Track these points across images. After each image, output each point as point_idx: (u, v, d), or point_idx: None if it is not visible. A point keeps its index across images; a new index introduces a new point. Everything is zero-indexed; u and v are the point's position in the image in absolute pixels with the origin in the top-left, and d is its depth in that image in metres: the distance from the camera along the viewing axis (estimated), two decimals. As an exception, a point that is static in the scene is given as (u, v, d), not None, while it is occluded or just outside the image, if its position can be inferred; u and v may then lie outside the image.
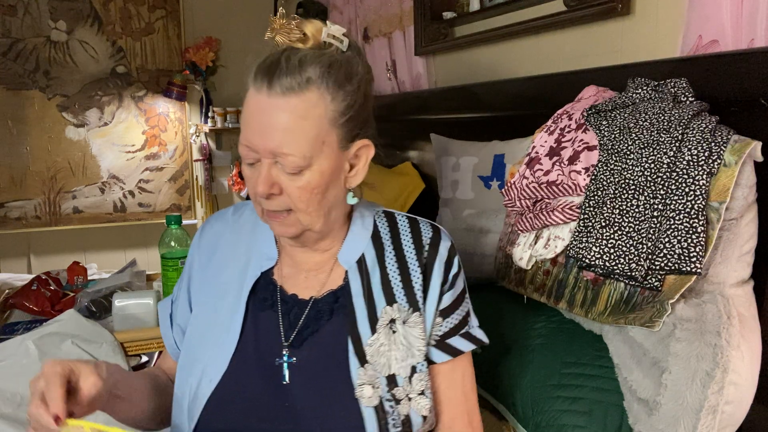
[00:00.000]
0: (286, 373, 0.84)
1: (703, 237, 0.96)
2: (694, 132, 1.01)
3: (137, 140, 3.56)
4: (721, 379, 0.90)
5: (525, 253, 1.25)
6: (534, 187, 1.24)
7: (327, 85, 0.78)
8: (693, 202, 0.97)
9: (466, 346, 0.91)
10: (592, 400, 1.05)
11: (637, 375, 1.02)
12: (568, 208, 1.16)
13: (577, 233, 1.13)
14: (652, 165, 1.04)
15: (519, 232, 1.28)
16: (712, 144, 0.99)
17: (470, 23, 2.11)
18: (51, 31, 3.31)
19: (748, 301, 1.00)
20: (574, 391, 1.07)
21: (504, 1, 1.89)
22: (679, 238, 0.97)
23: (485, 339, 0.93)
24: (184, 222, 1.94)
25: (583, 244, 1.10)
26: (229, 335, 0.87)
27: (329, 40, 0.81)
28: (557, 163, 1.22)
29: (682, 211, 0.98)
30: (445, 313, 0.90)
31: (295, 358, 0.85)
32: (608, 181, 1.11)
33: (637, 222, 1.04)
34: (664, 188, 1.01)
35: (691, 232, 0.97)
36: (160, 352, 1.76)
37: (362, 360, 0.83)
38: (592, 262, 1.08)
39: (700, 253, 0.96)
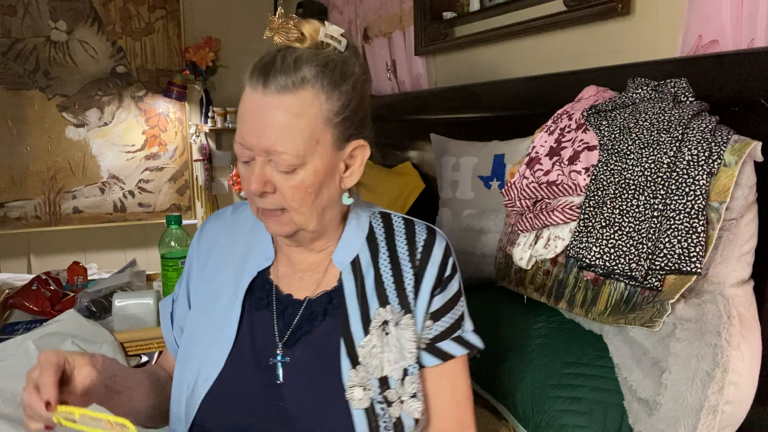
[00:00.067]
0: (281, 372, 0.85)
1: (703, 237, 0.96)
2: (694, 132, 1.01)
3: (137, 140, 3.56)
4: (721, 379, 0.90)
5: (525, 253, 1.25)
6: (534, 187, 1.24)
7: (322, 84, 0.78)
8: (693, 202, 0.97)
9: (458, 351, 0.89)
10: (592, 400, 1.05)
11: (637, 375, 1.02)
12: (568, 208, 1.16)
13: (577, 233, 1.13)
14: (652, 165, 1.04)
15: (519, 232, 1.28)
16: (712, 144, 0.99)
17: (470, 23, 2.11)
18: (51, 31, 3.31)
19: (748, 301, 1.00)
20: (574, 391, 1.07)
21: (504, 1, 1.89)
22: (679, 238, 0.98)
23: (479, 344, 0.91)
24: (184, 222, 1.94)
25: (583, 244, 1.10)
26: (225, 334, 0.87)
27: (327, 40, 0.81)
28: (557, 163, 1.22)
29: (682, 211, 0.98)
30: (435, 316, 0.88)
31: (288, 358, 0.85)
32: (608, 181, 1.11)
33: (637, 222, 1.04)
34: (664, 188, 1.01)
35: (691, 232, 0.97)
36: (161, 352, 1.76)
37: (354, 361, 0.83)
38: (592, 262, 1.08)
39: (700, 253, 0.96)
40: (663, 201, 1.01)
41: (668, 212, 1.00)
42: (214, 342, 0.87)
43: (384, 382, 0.83)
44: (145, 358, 1.87)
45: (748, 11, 1.14)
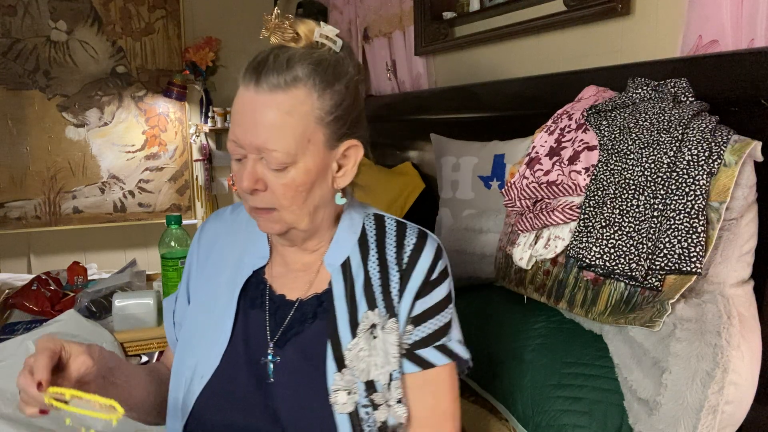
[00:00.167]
0: (272, 371, 0.85)
1: (703, 237, 0.96)
2: (694, 132, 1.01)
3: (137, 140, 3.56)
4: (722, 379, 0.90)
5: (525, 253, 1.25)
6: (534, 187, 1.24)
7: (314, 83, 0.78)
8: (693, 202, 0.97)
9: (440, 360, 0.86)
10: (592, 400, 1.05)
11: (637, 375, 1.02)
12: (568, 208, 1.16)
13: (577, 233, 1.13)
14: (652, 165, 1.04)
15: (519, 232, 1.28)
16: (712, 144, 0.99)
17: (470, 23, 2.11)
18: (51, 31, 3.31)
19: (748, 301, 1.00)
20: (574, 391, 1.07)
21: (504, 1, 1.89)
22: (679, 238, 0.98)
23: (465, 355, 0.88)
24: (184, 222, 1.94)
25: (584, 244, 1.10)
26: (220, 333, 0.88)
27: (322, 40, 0.81)
28: (557, 163, 1.22)
29: (682, 211, 0.98)
30: (416, 321, 0.86)
31: (279, 358, 0.85)
32: (608, 181, 1.11)
33: (637, 222, 1.04)
34: (664, 188, 1.01)
35: (691, 232, 0.97)
36: (161, 353, 1.76)
37: (340, 365, 0.82)
38: (593, 262, 1.08)
39: (700, 253, 0.96)
40: (663, 201, 1.01)
41: (668, 212, 1.00)
42: (210, 340, 0.88)
43: (370, 386, 0.82)
44: (145, 358, 1.88)
45: (748, 11, 1.14)
